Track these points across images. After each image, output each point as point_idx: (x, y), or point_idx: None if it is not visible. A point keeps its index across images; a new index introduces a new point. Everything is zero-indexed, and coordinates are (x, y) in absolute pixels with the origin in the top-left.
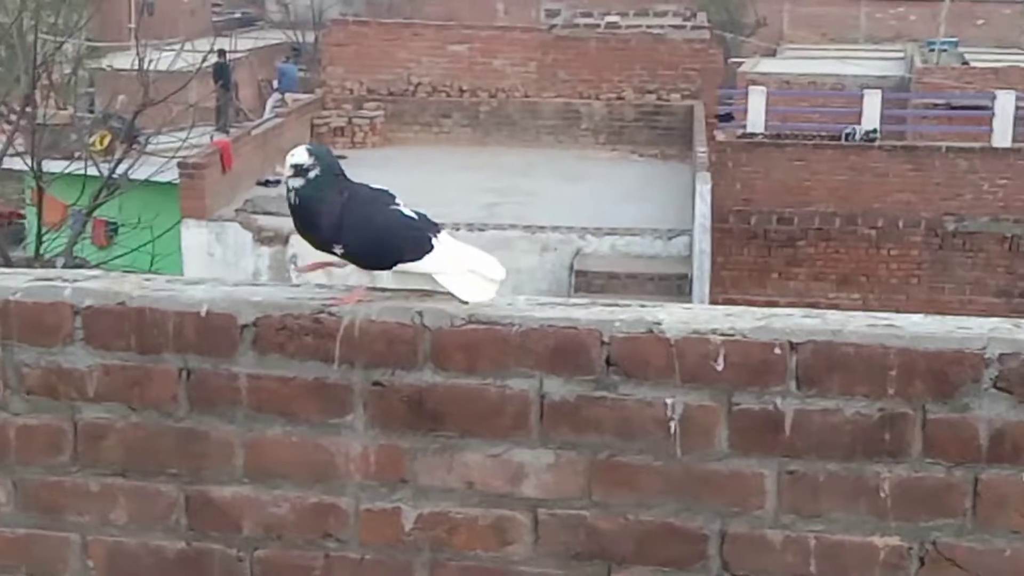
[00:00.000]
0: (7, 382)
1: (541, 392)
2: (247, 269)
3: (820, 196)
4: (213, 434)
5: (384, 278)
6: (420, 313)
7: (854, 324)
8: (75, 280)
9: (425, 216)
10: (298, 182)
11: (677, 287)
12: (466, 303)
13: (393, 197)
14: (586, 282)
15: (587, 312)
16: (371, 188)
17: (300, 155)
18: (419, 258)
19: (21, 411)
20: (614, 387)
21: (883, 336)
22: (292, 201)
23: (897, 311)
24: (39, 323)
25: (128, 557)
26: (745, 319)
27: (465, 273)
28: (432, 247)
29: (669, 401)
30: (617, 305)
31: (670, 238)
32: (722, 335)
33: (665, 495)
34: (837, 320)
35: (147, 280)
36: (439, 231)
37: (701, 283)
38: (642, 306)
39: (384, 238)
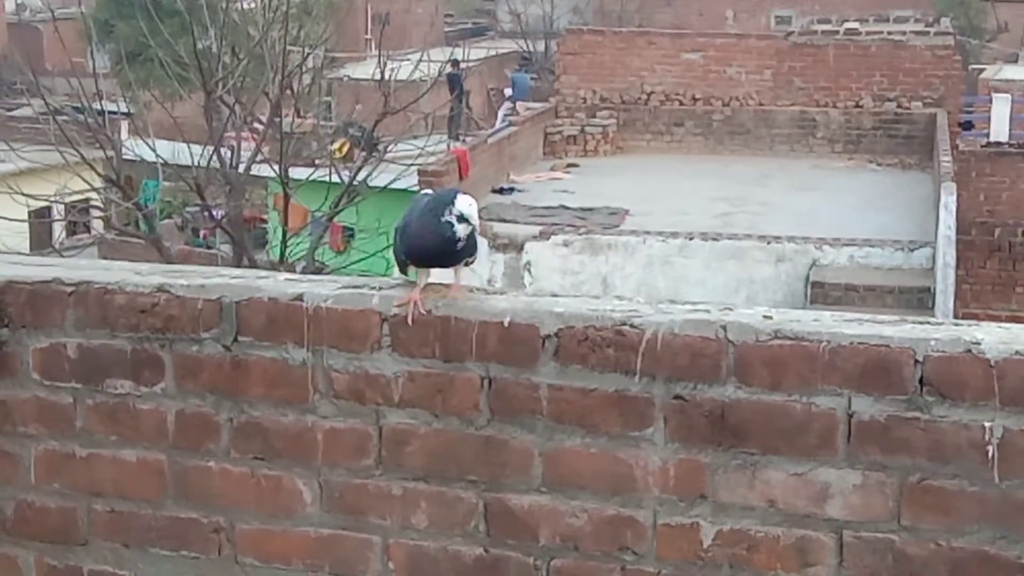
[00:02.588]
0: (316, 386)
1: (849, 411)
2: (482, 276)
3: None
4: (512, 443)
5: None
6: (724, 327)
7: None
8: (381, 288)
9: None
10: (467, 228)
11: (919, 300)
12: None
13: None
14: (822, 294)
15: (899, 329)
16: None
17: (474, 206)
18: None
19: (329, 414)
20: (927, 408)
21: None
22: (465, 243)
23: None
24: (348, 329)
25: (428, 561)
26: None
27: None
28: None
29: (987, 424)
30: (929, 323)
31: (911, 250)
32: None
33: (981, 522)
34: None
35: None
36: None
37: (945, 297)
38: (956, 324)
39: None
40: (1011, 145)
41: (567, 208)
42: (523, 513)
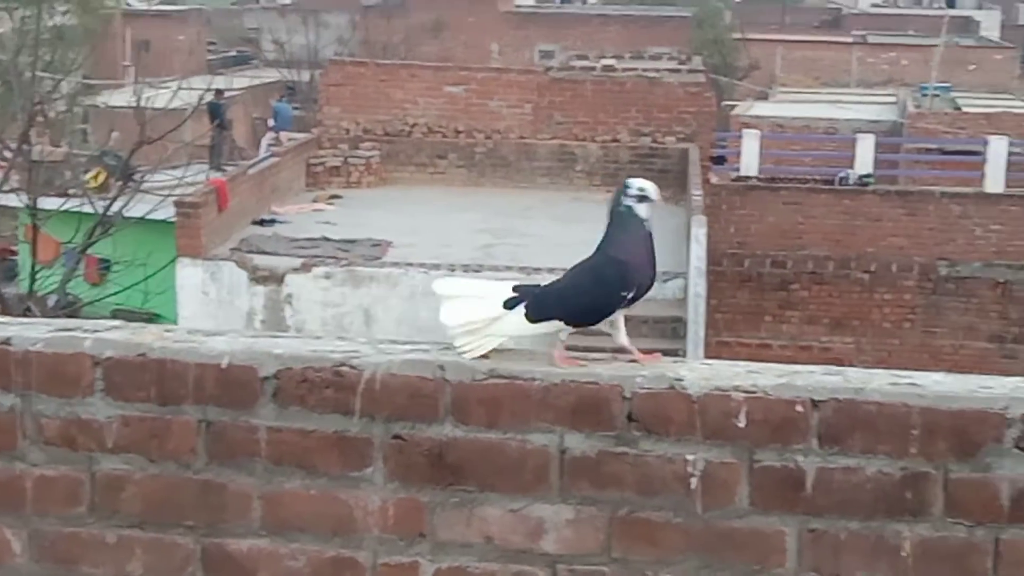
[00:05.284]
0: (25, 432)
1: (562, 447)
2: (242, 308)
3: (814, 240)
4: (231, 486)
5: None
6: (442, 366)
7: (876, 382)
8: (96, 331)
9: None
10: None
11: (672, 330)
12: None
13: None
14: None
15: (608, 367)
16: None
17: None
18: None
19: (39, 462)
20: (635, 443)
21: (906, 395)
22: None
23: (890, 355)
24: (59, 374)
25: None
26: (767, 376)
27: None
28: None
29: (690, 458)
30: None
31: (665, 281)
32: (744, 392)
33: (686, 552)
34: (859, 378)
35: (168, 331)
36: None
37: (696, 326)
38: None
39: None
40: (760, 179)
41: (329, 240)
42: (242, 557)
